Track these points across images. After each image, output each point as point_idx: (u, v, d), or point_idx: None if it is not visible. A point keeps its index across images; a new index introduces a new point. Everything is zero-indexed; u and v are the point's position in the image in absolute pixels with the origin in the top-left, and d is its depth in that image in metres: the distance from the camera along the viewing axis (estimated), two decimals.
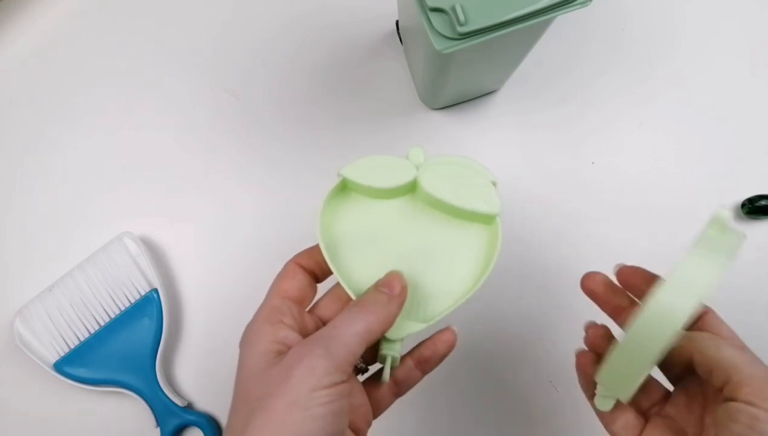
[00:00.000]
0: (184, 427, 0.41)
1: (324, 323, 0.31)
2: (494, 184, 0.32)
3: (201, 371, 0.43)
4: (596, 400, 0.30)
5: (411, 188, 0.33)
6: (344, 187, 0.33)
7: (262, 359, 0.26)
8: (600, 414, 0.31)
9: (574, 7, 0.29)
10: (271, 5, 0.48)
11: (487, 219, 0.33)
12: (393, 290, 0.28)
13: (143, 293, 0.42)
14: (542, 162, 0.45)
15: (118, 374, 0.40)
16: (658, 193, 0.44)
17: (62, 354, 0.40)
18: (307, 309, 0.32)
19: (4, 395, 0.43)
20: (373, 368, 0.33)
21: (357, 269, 0.32)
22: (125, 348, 0.41)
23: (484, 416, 0.42)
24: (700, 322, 0.30)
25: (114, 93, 0.47)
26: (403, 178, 0.32)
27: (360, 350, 0.26)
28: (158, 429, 0.40)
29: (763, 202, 0.42)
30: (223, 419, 0.42)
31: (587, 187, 0.44)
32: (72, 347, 0.41)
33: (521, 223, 0.44)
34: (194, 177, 0.46)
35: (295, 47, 0.47)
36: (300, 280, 0.31)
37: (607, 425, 0.31)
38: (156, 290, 0.42)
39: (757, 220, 0.44)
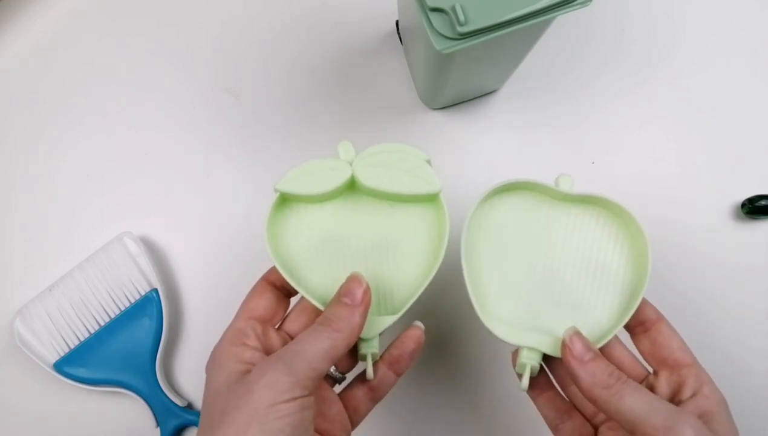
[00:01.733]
0: (184, 427, 0.41)
1: (292, 338, 0.31)
2: (428, 162, 0.33)
3: (201, 371, 0.43)
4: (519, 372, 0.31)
5: (350, 185, 0.33)
6: (284, 200, 0.33)
7: (228, 378, 0.27)
8: (546, 419, 0.32)
9: (574, 7, 0.29)
10: (271, 5, 0.48)
11: (430, 198, 0.33)
12: (355, 298, 0.29)
13: (143, 293, 0.42)
14: (542, 162, 0.45)
15: (118, 374, 0.40)
16: (658, 193, 0.44)
17: (62, 354, 0.40)
18: (277, 326, 0.32)
19: (4, 395, 0.43)
20: (350, 375, 0.33)
21: (319, 278, 0.33)
22: (125, 348, 0.41)
23: (473, 414, 0.42)
24: (652, 331, 0.30)
25: (114, 93, 0.47)
26: (338, 178, 0.32)
27: (325, 366, 0.26)
28: (158, 429, 0.40)
29: (763, 202, 0.42)
30: None
31: (587, 186, 0.44)
32: (72, 347, 0.41)
33: None
34: (194, 177, 0.46)
35: (295, 47, 0.47)
36: (268, 298, 0.31)
37: (554, 432, 0.32)
38: (156, 290, 0.42)
39: (757, 220, 0.44)
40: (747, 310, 0.43)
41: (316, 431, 0.29)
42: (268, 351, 0.29)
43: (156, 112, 0.47)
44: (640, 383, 0.30)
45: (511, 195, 0.34)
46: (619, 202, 0.31)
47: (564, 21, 0.37)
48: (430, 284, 0.32)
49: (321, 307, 0.31)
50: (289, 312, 0.33)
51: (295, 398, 0.25)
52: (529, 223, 0.33)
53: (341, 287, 0.29)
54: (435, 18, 0.29)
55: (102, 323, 0.41)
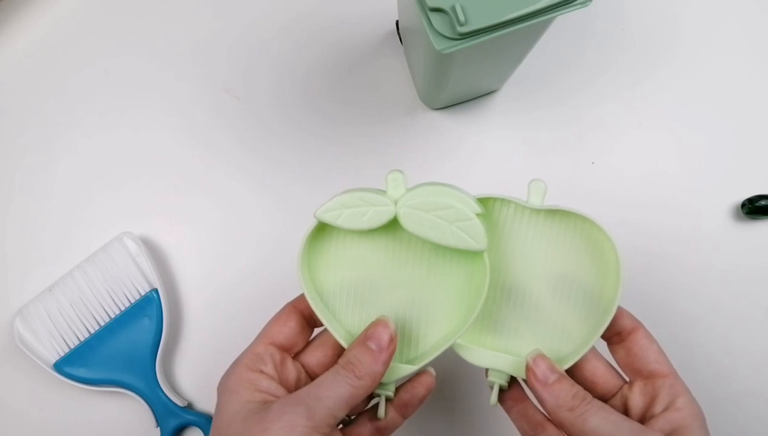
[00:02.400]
0: (184, 427, 0.41)
1: (307, 370, 0.31)
2: (479, 215, 0.30)
3: (201, 371, 0.43)
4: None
5: (394, 223, 0.30)
6: (323, 228, 0.32)
7: (245, 408, 0.26)
8: (521, 431, 0.32)
9: (574, 7, 0.29)
10: (271, 5, 0.48)
11: (474, 253, 0.31)
12: (381, 344, 0.28)
13: (143, 293, 0.42)
14: (542, 161, 0.45)
15: (118, 374, 0.40)
16: (657, 193, 0.44)
17: (62, 354, 0.40)
18: (294, 354, 0.32)
19: (4, 395, 0.43)
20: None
21: (347, 314, 0.32)
22: (125, 348, 0.41)
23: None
24: (628, 341, 0.30)
25: (114, 93, 0.47)
26: (380, 218, 0.30)
27: (342, 413, 0.26)
28: (158, 429, 0.40)
29: (763, 202, 0.42)
30: None
31: (587, 186, 0.44)
32: (72, 347, 0.41)
33: None
34: (194, 177, 0.46)
35: (295, 47, 0.47)
36: (292, 326, 0.31)
37: None
38: (156, 290, 0.42)
39: (757, 220, 0.44)
40: (747, 310, 0.43)
41: None
42: (283, 381, 0.29)
43: (156, 112, 0.47)
44: (615, 394, 0.30)
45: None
46: (588, 215, 0.30)
47: (564, 21, 0.37)
48: None
49: (346, 345, 0.30)
50: (309, 344, 0.32)
51: None
52: (495, 237, 0.32)
53: (367, 329, 0.29)
54: (435, 18, 0.29)
55: (102, 323, 0.41)
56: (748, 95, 0.46)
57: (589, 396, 0.27)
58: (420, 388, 0.31)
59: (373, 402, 0.32)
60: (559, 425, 0.27)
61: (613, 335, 0.30)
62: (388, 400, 0.31)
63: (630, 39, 0.47)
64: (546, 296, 0.31)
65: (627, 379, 0.30)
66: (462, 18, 0.28)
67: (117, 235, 0.43)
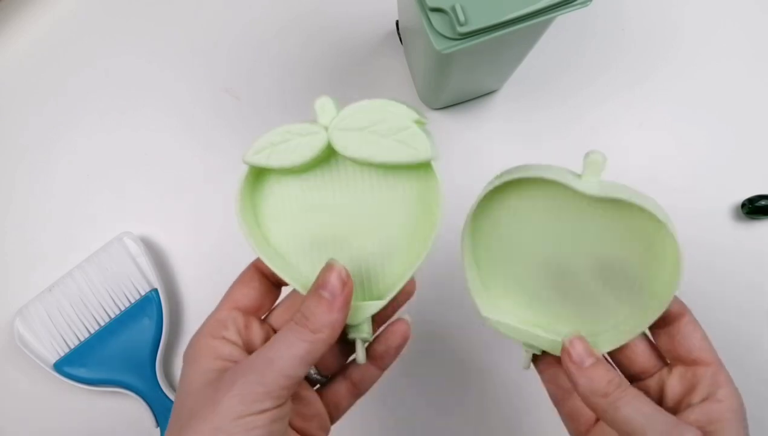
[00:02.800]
0: None
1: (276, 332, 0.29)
2: (419, 123, 0.27)
3: None
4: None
5: (333, 150, 0.28)
6: (258, 175, 0.29)
7: (202, 377, 0.25)
8: (550, 395, 0.31)
9: (574, 7, 0.29)
10: (271, 5, 0.48)
11: (422, 167, 0.28)
12: (334, 289, 0.25)
13: (143, 293, 0.42)
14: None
15: (118, 374, 0.40)
16: (657, 193, 0.44)
17: (62, 354, 0.40)
18: (264, 317, 0.30)
19: (4, 395, 0.43)
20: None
21: (303, 263, 0.30)
22: (125, 348, 0.41)
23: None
24: (672, 326, 0.29)
25: (114, 93, 0.47)
26: (313, 147, 0.27)
27: (301, 372, 0.24)
28: (158, 429, 0.40)
29: (763, 202, 0.42)
30: None
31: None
32: (72, 347, 0.41)
33: None
34: (194, 177, 0.46)
35: (294, 47, 0.47)
36: (255, 287, 0.29)
37: (558, 408, 0.31)
38: (156, 290, 0.42)
39: (757, 220, 0.44)
40: (747, 310, 0.43)
41: (293, 429, 0.28)
42: (248, 346, 0.27)
43: (156, 112, 0.47)
44: (653, 374, 0.29)
45: (528, 183, 0.29)
46: (650, 208, 0.27)
47: (564, 21, 0.37)
48: (424, 271, 0.28)
49: (304, 293, 0.28)
50: (278, 305, 0.31)
51: (266, 410, 0.23)
52: (546, 216, 0.29)
53: (318, 277, 0.26)
54: (435, 18, 0.29)
55: (102, 323, 0.41)
56: (748, 95, 0.46)
57: (625, 383, 0.26)
58: (394, 337, 0.29)
59: (350, 358, 0.31)
60: (591, 409, 0.26)
61: (658, 320, 0.29)
62: (366, 342, 0.29)
63: (630, 39, 0.47)
64: (590, 278, 0.30)
65: (668, 362, 0.30)
66: (462, 18, 0.28)
67: (117, 235, 0.43)
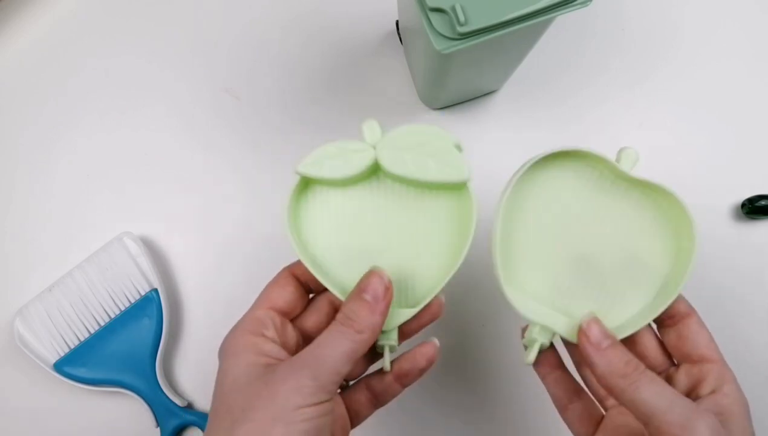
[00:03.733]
0: (184, 427, 0.41)
1: (304, 335, 0.31)
2: (458, 148, 0.30)
3: (201, 371, 0.43)
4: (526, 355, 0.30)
5: (375, 169, 0.31)
6: (306, 184, 0.32)
7: (247, 371, 0.26)
8: (555, 399, 0.31)
9: (574, 7, 0.30)
10: (271, 5, 0.48)
11: (458, 187, 0.31)
12: (376, 295, 0.27)
13: (143, 293, 0.42)
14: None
15: (118, 374, 0.40)
16: None
17: (62, 354, 0.40)
18: (292, 319, 0.32)
19: (4, 395, 0.43)
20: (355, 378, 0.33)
21: (339, 271, 0.31)
22: (125, 348, 0.41)
23: (469, 411, 0.42)
24: (680, 325, 0.30)
25: (114, 93, 0.47)
26: (361, 163, 0.30)
27: (346, 369, 0.26)
28: (158, 429, 0.40)
29: (763, 202, 0.42)
30: None
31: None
32: (72, 347, 0.41)
33: None
34: (194, 177, 0.46)
35: (294, 47, 0.47)
36: (290, 291, 0.31)
37: (562, 413, 0.31)
38: (156, 290, 0.42)
39: (757, 220, 0.44)
40: (747, 310, 0.43)
41: None
42: (285, 346, 0.29)
43: (156, 112, 0.47)
44: (660, 373, 0.29)
45: (559, 166, 0.31)
46: (676, 194, 0.29)
47: (564, 21, 0.37)
48: (453, 281, 0.30)
49: (342, 298, 0.30)
50: (305, 308, 0.33)
51: (319, 403, 0.25)
52: (574, 200, 0.31)
53: (361, 281, 0.28)
54: (435, 18, 0.29)
55: (102, 323, 0.41)
56: (748, 95, 0.46)
57: (642, 365, 0.26)
58: (421, 359, 0.30)
59: (370, 369, 0.32)
60: (609, 390, 0.26)
61: (666, 318, 0.30)
62: (392, 351, 0.30)
63: (630, 39, 0.47)
64: (610, 265, 0.31)
65: (675, 362, 0.30)
66: (462, 18, 0.28)
67: (117, 235, 0.43)
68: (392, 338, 0.30)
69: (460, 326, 0.43)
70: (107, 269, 0.41)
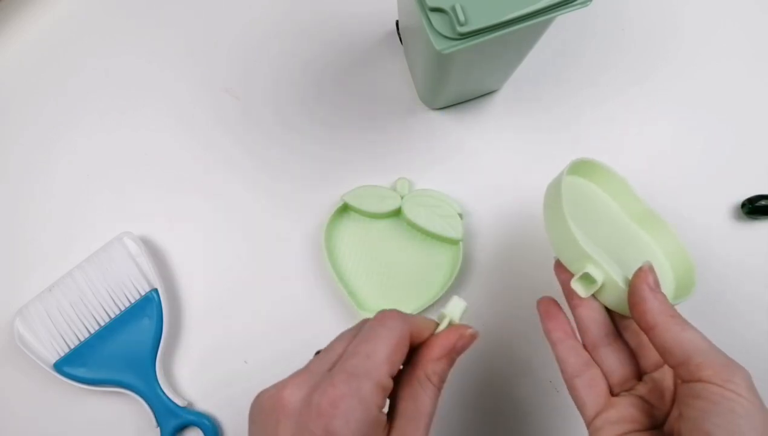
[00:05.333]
0: (184, 427, 0.41)
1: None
2: (460, 215, 0.42)
3: (201, 371, 0.43)
4: (574, 284, 0.31)
5: (397, 213, 0.43)
6: (344, 208, 0.43)
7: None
8: (565, 367, 0.31)
9: (574, 7, 0.30)
10: (271, 5, 0.48)
11: (453, 242, 0.42)
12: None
13: (143, 293, 0.42)
14: (542, 162, 0.45)
15: (118, 374, 0.40)
16: (657, 193, 0.44)
17: (62, 354, 0.40)
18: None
19: (4, 395, 0.43)
20: None
21: (349, 271, 0.43)
22: (125, 348, 0.41)
23: (483, 417, 0.42)
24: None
25: (114, 93, 0.47)
26: (390, 206, 0.42)
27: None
28: (158, 429, 0.40)
29: (763, 202, 0.42)
30: (223, 419, 0.42)
31: None
32: (72, 347, 0.41)
33: (521, 222, 0.44)
34: (194, 177, 0.46)
35: (295, 47, 0.47)
36: (403, 354, 0.26)
37: (571, 380, 0.31)
38: (156, 290, 0.42)
39: (757, 220, 0.44)
40: (747, 310, 0.43)
41: None
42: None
43: (156, 112, 0.47)
44: (656, 370, 0.30)
45: (588, 177, 0.38)
46: (677, 236, 0.36)
47: (564, 21, 0.37)
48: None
49: (356, 306, 0.40)
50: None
51: None
52: (604, 206, 0.37)
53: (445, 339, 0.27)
54: (435, 18, 0.29)
55: (102, 323, 0.41)
56: (748, 95, 0.46)
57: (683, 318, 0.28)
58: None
59: None
60: (652, 328, 0.27)
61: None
62: None
63: (630, 39, 0.47)
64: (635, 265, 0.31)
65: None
66: (462, 18, 0.28)
67: (117, 235, 0.43)
68: None
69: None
70: (107, 269, 0.41)
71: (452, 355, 0.27)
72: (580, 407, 0.30)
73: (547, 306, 0.33)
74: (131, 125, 0.46)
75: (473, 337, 0.28)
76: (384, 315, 0.27)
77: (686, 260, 0.35)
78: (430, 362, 0.27)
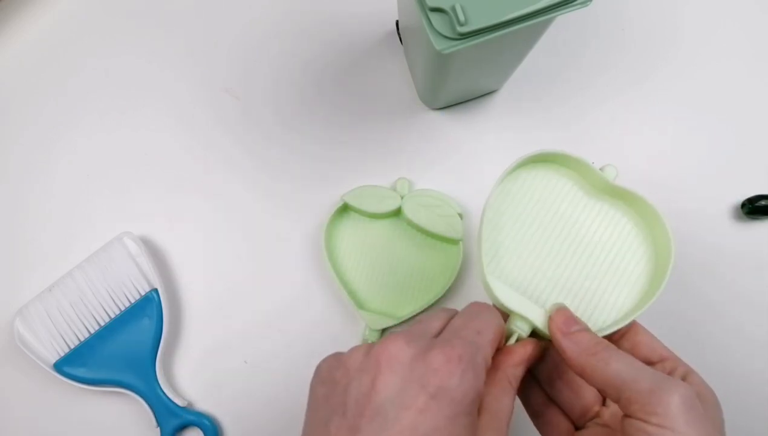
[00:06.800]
0: (184, 427, 0.41)
1: None
2: (460, 215, 0.42)
3: (201, 371, 0.43)
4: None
5: (397, 213, 0.43)
6: (345, 208, 0.43)
7: None
8: (527, 407, 0.31)
9: (574, 7, 0.30)
10: (271, 5, 0.48)
11: (453, 242, 0.42)
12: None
13: (143, 293, 0.42)
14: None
15: (118, 374, 0.40)
16: (657, 193, 0.44)
17: (62, 354, 0.40)
18: None
19: (4, 395, 0.43)
20: None
21: (350, 271, 0.43)
22: (125, 348, 0.41)
23: None
24: (629, 333, 0.30)
25: (114, 93, 0.47)
26: (390, 206, 0.42)
27: None
28: (158, 429, 0.40)
29: (763, 202, 0.42)
30: (223, 419, 0.42)
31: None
32: (72, 347, 0.41)
33: None
34: (194, 177, 0.46)
35: (295, 47, 0.47)
36: (499, 344, 0.28)
37: (535, 420, 0.31)
38: (156, 290, 0.42)
39: (757, 220, 0.44)
40: (747, 310, 0.43)
41: None
42: None
43: (156, 112, 0.47)
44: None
45: (546, 167, 0.34)
46: (653, 205, 0.32)
47: (564, 21, 0.37)
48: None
49: (356, 306, 0.41)
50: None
51: None
52: (559, 201, 0.33)
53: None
54: (435, 18, 0.29)
55: (102, 323, 0.41)
56: (748, 95, 0.46)
57: (612, 346, 0.27)
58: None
59: None
60: (581, 371, 0.27)
61: (616, 332, 0.30)
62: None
63: (630, 39, 0.47)
64: (590, 270, 0.32)
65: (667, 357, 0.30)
66: (462, 18, 0.28)
67: (117, 235, 0.43)
68: (375, 337, 0.41)
69: None
70: (107, 269, 0.41)
71: (529, 362, 0.28)
72: None
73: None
74: (131, 125, 0.46)
75: (545, 349, 0.30)
76: (481, 304, 0.28)
77: (662, 225, 0.32)
78: (511, 367, 0.27)
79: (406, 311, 0.41)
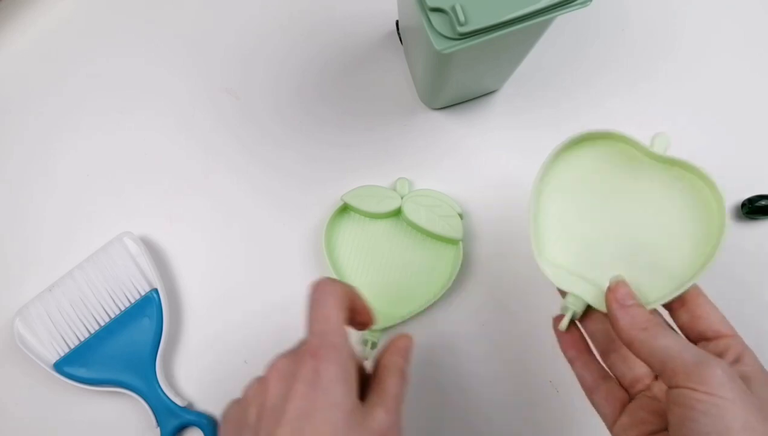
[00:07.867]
0: (184, 427, 0.41)
1: None
2: (460, 215, 0.42)
3: (201, 371, 0.43)
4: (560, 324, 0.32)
5: (397, 213, 0.43)
6: (344, 209, 0.43)
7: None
8: (583, 382, 0.32)
9: (574, 7, 0.30)
10: (270, 5, 0.48)
11: (453, 242, 0.42)
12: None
13: (143, 293, 0.42)
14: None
15: (118, 374, 0.40)
16: None
17: (62, 354, 0.40)
18: None
19: (4, 395, 0.43)
20: None
21: (350, 271, 0.43)
22: (125, 348, 0.41)
23: (483, 417, 0.42)
24: (690, 304, 0.31)
25: (114, 93, 0.47)
26: (390, 206, 0.42)
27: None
28: (158, 429, 0.40)
29: (763, 202, 0.42)
30: None
31: None
32: (72, 347, 0.41)
33: (521, 222, 0.44)
34: (194, 177, 0.46)
35: (294, 47, 0.47)
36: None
37: (590, 395, 0.32)
38: (156, 290, 0.42)
39: (757, 220, 0.44)
40: (747, 310, 0.43)
41: None
42: None
43: (156, 112, 0.47)
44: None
45: (595, 145, 0.34)
46: (706, 171, 0.31)
47: (564, 21, 0.37)
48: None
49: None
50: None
51: None
52: (610, 176, 0.34)
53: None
54: (435, 18, 0.29)
55: (102, 323, 0.41)
56: (749, 95, 0.46)
57: (663, 323, 0.28)
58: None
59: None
60: (630, 344, 0.28)
61: (676, 300, 0.31)
62: (373, 347, 0.40)
63: (630, 39, 0.47)
64: (643, 241, 0.32)
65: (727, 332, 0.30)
66: (462, 18, 0.28)
67: (117, 235, 0.43)
68: (376, 336, 0.41)
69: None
70: (107, 269, 0.41)
71: (406, 351, 0.30)
72: (603, 419, 0.31)
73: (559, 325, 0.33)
74: (131, 125, 0.46)
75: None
76: (317, 286, 0.29)
77: (716, 194, 0.31)
78: (394, 356, 0.29)
79: (406, 311, 0.41)
